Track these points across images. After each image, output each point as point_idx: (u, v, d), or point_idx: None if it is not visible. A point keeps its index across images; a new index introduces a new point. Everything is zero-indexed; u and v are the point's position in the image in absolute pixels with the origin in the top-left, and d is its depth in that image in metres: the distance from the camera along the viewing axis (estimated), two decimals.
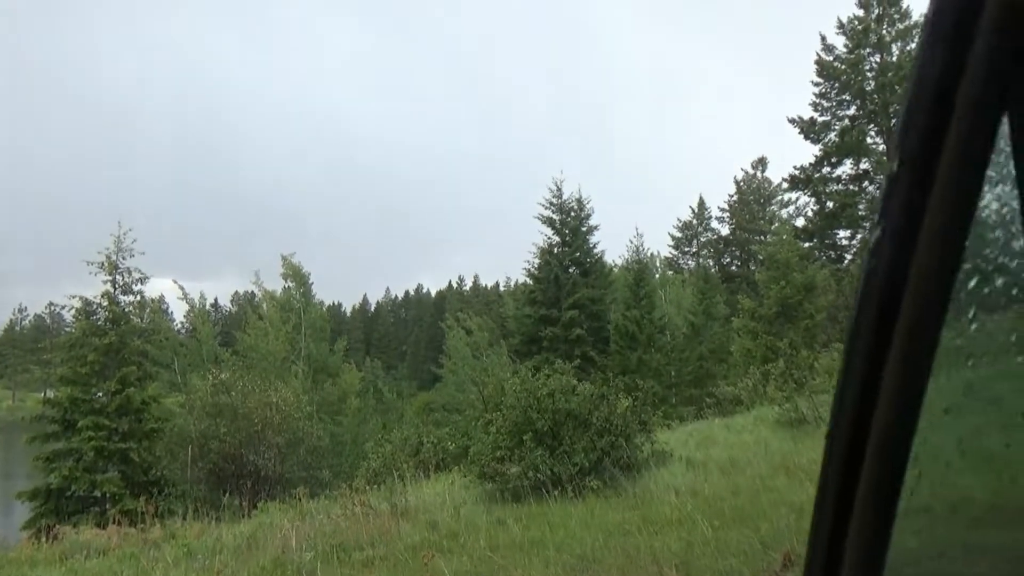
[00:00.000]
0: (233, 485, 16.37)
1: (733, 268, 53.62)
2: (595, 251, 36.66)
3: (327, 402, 30.59)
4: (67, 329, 29.21)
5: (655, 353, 31.32)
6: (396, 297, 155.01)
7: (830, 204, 33.00)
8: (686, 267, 55.24)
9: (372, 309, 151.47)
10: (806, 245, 31.53)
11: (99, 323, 21.62)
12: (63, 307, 23.86)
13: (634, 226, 60.19)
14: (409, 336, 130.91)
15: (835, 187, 33.15)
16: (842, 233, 33.47)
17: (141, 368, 21.82)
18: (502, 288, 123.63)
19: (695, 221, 57.75)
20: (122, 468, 20.11)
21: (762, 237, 45.18)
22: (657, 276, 45.66)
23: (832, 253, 33.17)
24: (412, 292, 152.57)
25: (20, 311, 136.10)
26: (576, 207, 36.45)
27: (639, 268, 37.79)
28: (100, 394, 20.95)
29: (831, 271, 26.69)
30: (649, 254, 48.24)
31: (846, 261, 31.95)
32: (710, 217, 57.27)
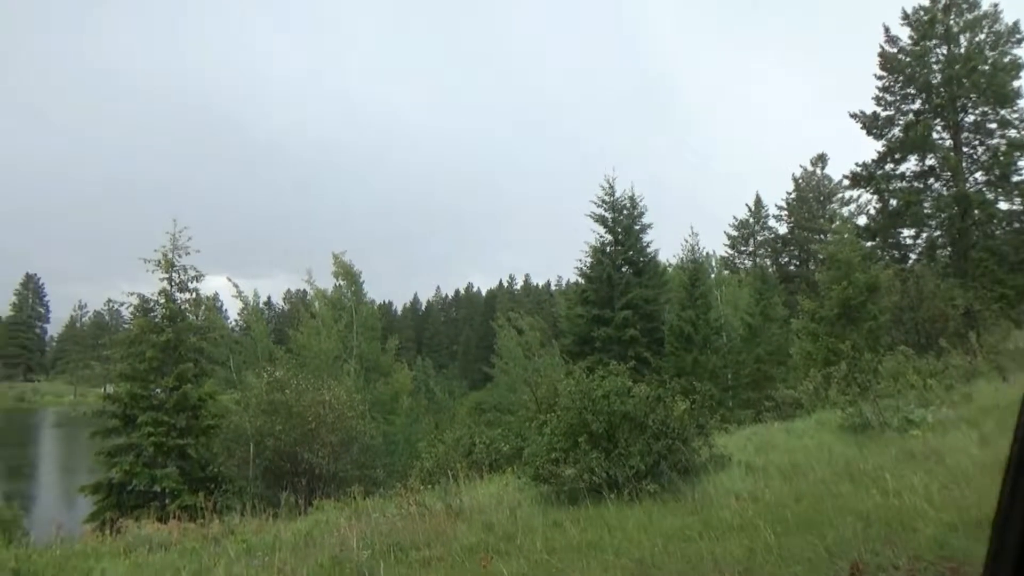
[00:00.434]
0: (289, 482, 16.67)
1: (791, 268, 52.60)
2: (649, 250, 36.18)
3: (379, 401, 30.95)
4: (125, 326, 30.05)
5: (711, 355, 30.81)
6: (446, 296, 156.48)
7: (894, 202, 31.89)
8: (742, 267, 54.36)
9: (423, 308, 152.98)
10: (868, 244, 30.54)
11: (156, 320, 22.11)
12: (121, 304, 24.50)
13: (689, 225, 59.48)
14: (460, 335, 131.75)
15: (899, 184, 32.02)
16: (906, 232, 32.31)
17: (197, 365, 22.24)
18: (553, 287, 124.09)
19: (752, 219, 56.86)
20: (180, 464, 20.60)
21: (822, 236, 44.12)
22: (713, 276, 45.00)
23: (896, 252, 32.03)
24: (462, 291, 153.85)
25: (80, 308, 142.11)
26: (629, 205, 35.98)
27: (694, 268, 37.24)
28: (158, 390, 21.47)
29: (895, 271, 25.76)
30: (704, 253, 47.66)
31: (910, 261, 30.88)
32: (767, 216, 56.38)
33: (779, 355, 30.62)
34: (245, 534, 10.61)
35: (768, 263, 54.33)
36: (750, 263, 55.28)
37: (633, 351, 31.03)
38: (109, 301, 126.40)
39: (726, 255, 56.72)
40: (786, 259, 54.42)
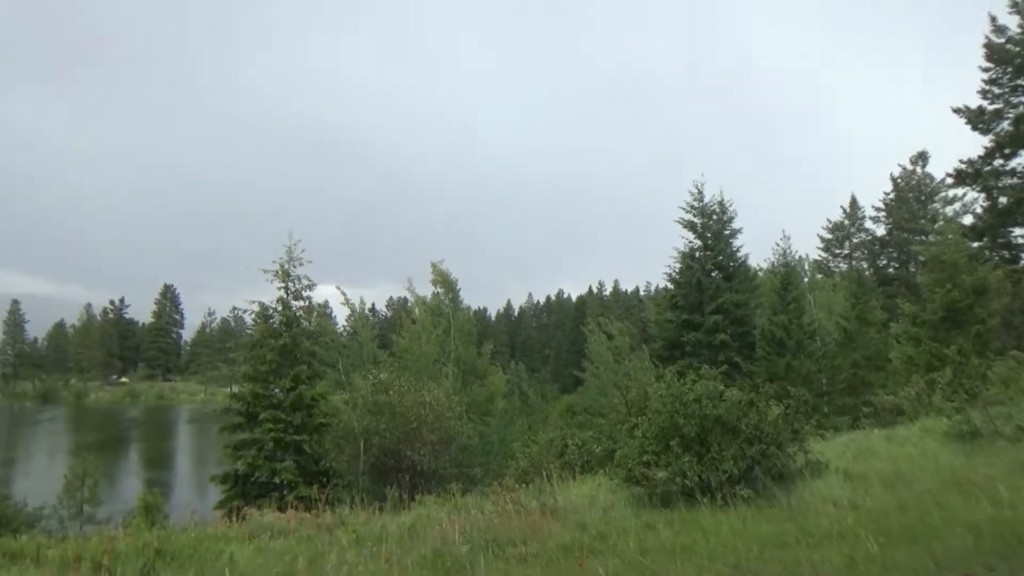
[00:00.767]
0: (392, 478, 17.43)
1: (890, 270, 49.87)
2: (739, 255, 35.76)
3: (475, 403, 31.66)
4: (248, 331, 32.23)
5: (805, 360, 29.85)
6: (538, 302, 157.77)
7: (1003, 199, 29.81)
8: (837, 270, 52.07)
9: (515, 314, 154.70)
10: (975, 244, 28.68)
11: (275, 326, 23.59)
12: (244, 311, 26.27)
13: (780, 228, 57.51)
14: (551, 340, 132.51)
15: (1009, 181, 29.87)
16: (1017, 231, 30.09)
17: (311, 367, 23.59)
18: (642, 293, 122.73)
19: (847, 221, 54.33)
20: (296, 458, 21.80)
21: (923, 237, 41.69)
22: (806, 280, 43.47)
23: (1006, 253, 29.89)
24: (553, 297, 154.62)
25: (209, 315, 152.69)
26: (718, 210, 35.58)
27: (786, 271, 36.16)
28: (277, 390, 22.84)
29: (1005, 272, 24.16)
30: (797, 257, 46.29)
31: (1022, 261, 28.83)
32: (863, 217, 53.68)
33: (877, 360, 29.21)
34: (355, 525, 11.05)
35: (865, 266, 51.70)
36: (845, 266, 52.89)
37: (724, 356, 30.57)
38: (234, 308, 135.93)
39: (820, 258, 54.65)
40: (884, 261, 51.55)
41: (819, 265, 53.32)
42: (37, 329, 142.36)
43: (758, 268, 40.79)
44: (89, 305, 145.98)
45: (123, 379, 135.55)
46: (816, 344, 31.98)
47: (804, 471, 9.91)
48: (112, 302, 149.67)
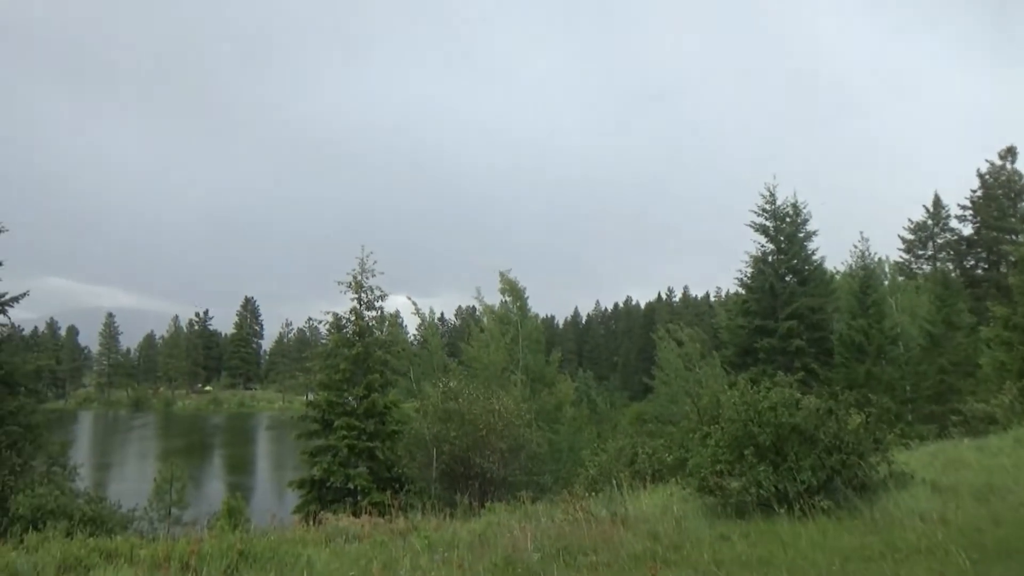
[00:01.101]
0: (463, 485, 17.58)
1: (978, 272, 47.27)
2: (814, 258, 34.76)
3: (544, 410, 31.59)
4: (323, 341, 33.16)
5: (886, 366, 28.67)
6: (606, 309, 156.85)
7: None
8: (920, 272, 49.79)
9: (583, 322, 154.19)
10: None
11: (348, 335, 24.19)
12: (319, 322, 27.10)
13: (858, 230, 55.49)
14: (619, 348, 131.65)
15: None
16: None
17: (383, 376, 24.00)
18: (712, 299, 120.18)
19: (930, 221, 51.87)
20: (369, 464, 22.24)
21: (1014, 236, 39.42)
22: (886, 283, 41.79)
23: None
24: (621, 304, 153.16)
25: (287, 326, 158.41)
26: (791, 212, 34.63)
27: (865, 274, 34.96)
28: (351, 398, 23.37)
29: None
30: (876, 259, 44.61)
31: None
32: (948, 216, 51.10)
33: (966, 366, 27.70)
34: (427, 531, 11.10)
35: (951, 267, 49.20)
36: (929, 268, 50.50)
37: (799, 362, 29.79)
38: (309, 319, 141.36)
39: (901, 260, 52.32)
40: (972, 262, 48.77)
41: (900, 267, 51.15)
42: (130, 340, 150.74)
43: (835, 271, 39.49)
44: (176, 317, 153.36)
45: (207, 387, 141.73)
46: (899, 349, 30.67)
47: (888, 482, 9.51)
48: (197, 314, 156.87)
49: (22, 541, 9.68)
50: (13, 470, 17.81)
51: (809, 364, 30.17)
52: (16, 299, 21.09)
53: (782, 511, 8.76)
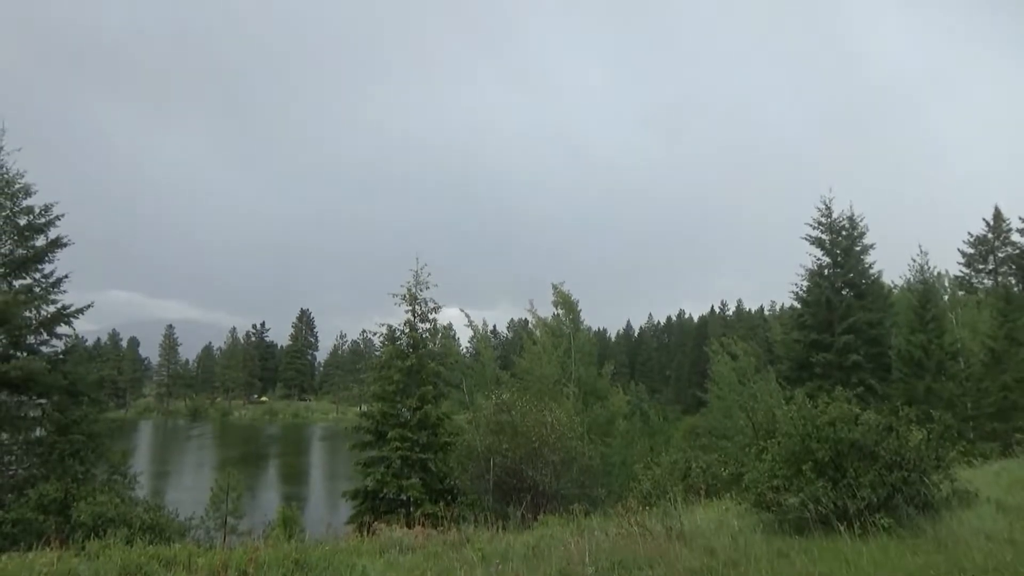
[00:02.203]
0: (515, 497, 17.58)
1: None
2: (871, 271, 34.12)
3: (596, 423, 31.42)
4: (376, 353, 33.61)
5: (946, 382, 27.77)
6: (658, 323, 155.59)
7: None
8: (981, 286, 48.16)
9: (635, 335, 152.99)
10: None
11: (402, 347, 24.49)
12: (373, 333, 27.51)
13: (917, 243, 53.91)
14: (672, 361, 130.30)
15: None
16: None
17: (436, 387, 24.25)
18: (767, 312, 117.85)
19: (991, 235, 50.26)
20: (422, 476, 22.40)
21: None
22: (946, 297, 40.56)
23: None
24: (674, 318, 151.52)
25: (341, 337, 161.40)
26: (848, 225, 34.12)
27: (924, 288, 33.98)
28: (404, 410, 23.60)
29: None
30: (936, 273, 43.37)
31: None
32: (1009, 229, 49.45)
33: None
34: (480, 542, 11.10)
35: (1013, 281, 47.46)
36: (990, 282, 48.80)
37: (856, 377, 29.14)
38: (364, 331, 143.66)
39: (961, 274, 50.77)
40: None
41: (961, 281, 49.65)
42: (188, 352, 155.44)
43: (892, 285, 38.53)
44: (234, 329, 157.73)
45: (263, 398, 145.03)
46: (959, 365, 29.70)
47: (951, 501, 9.28)
48: (254, 326, 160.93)
49: (84, 548, 9.95)
50: (75, 478, 18.24)
51: (866, 379, 29.52)
52: (81, 311, 21.71)
53: (841, 528, 8.58)
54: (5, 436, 19.82)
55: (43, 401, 20.79)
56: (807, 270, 34.75)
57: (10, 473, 19.66)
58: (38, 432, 20.33)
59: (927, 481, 9.29)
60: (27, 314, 20.57)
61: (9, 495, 18.05)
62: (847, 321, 31.72)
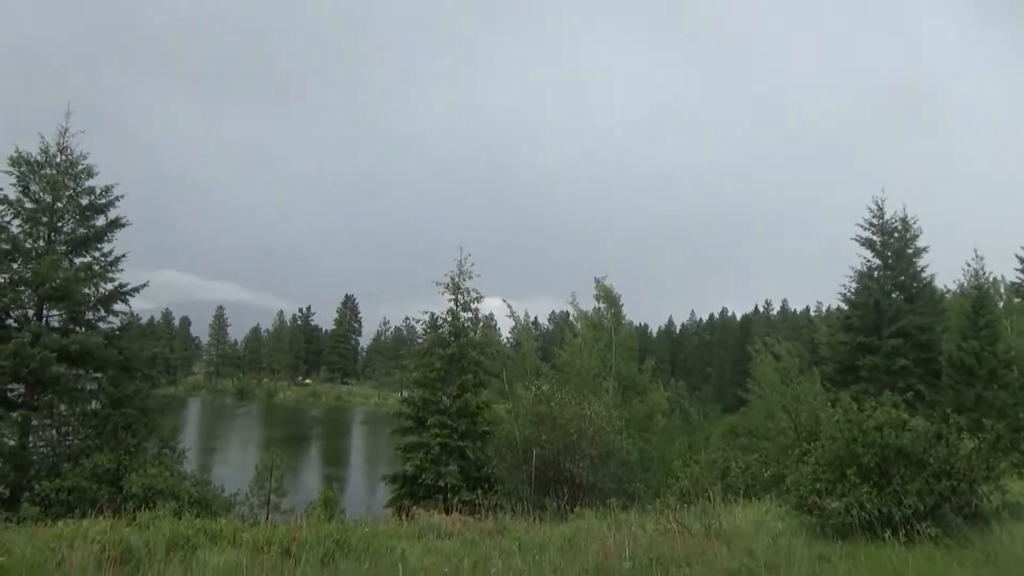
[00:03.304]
0: (551, 489, 17.63)
1: None
2: (923, 275, 33.30)
3: (635, 419, 31.28)
4: (419, 340, 33.89)
5: (999, 390, 26.87)
6: (700, 320, 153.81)
7: None
8: None
9: (677, 331, 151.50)
10: None
11: (444, 335, 24.70)
12: (416, 321, 27.76)
13: (972, 247, 52.23)
14: (713, 359, 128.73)
15: None
16: None
17: (476, 376, 24.38)
18: (812, 313, 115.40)
19: None
20: (460, 463, 22.63)
21: None
22: (1001, 304, 39.25)
23: None
24: (716, 315, 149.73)
25: (384, 324, 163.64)
26: (900, 227, 33.25)
27: (979, 294, 32.89)
28: (444, 397, 23.80)
29: None
30: (992, 279, 41.95)
31: None
32: None
33: None
34: (517, 532, 11.17)
35: None
36: None
37: (904, 382, 28.48)
38: (407, 318, 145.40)
39: (1018, 280, 48.92)
40: None
41: (1017, 288, 47.95)
42: (237, 333, 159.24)
43: (945, 290, 37.48)
44: (281, 312, 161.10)
45: (307, 380, 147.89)
46: (1013, 374, 28.74)
47: (1001, 513, 9.01)
48: (300, 310, 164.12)
49: (135, 518, 10.25)
50: (128, 450, 18.72)
51: (915, 384, 28.85)
52: (136, 289, 22.24)
53: (885, 536, 8.43)
54: (63, 407, 20.51)
55: (99, 375, 21.45)
56: (856, 271, 34.21)
57: (67, 443, 20.39)
58: (94, 405, 20.96)
59: (977, 491, 9.05)
60: (86, 291, 21.24)
61: (66, 464, 18.71)
62: (896, 324, 31.13)
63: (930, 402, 26.05)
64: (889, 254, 33.49)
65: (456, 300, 25.11)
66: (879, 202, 33.84)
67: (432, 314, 25.37)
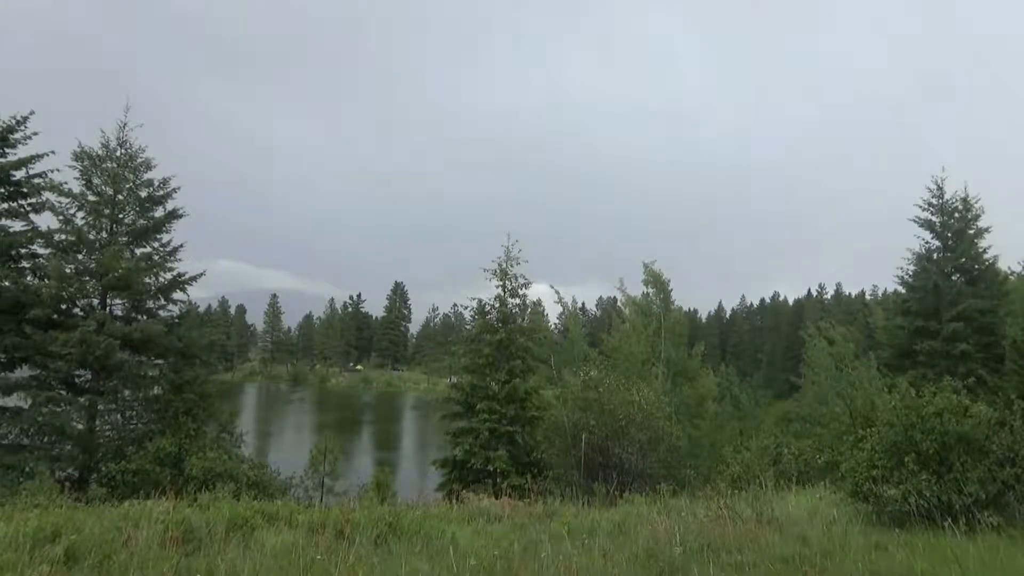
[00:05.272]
0: (600, 474, 17.63)
1: None
2: (985, 256, 31.92)
3: (685, 404, 31.02)
4: (467, 326, 34.16)
5: None
6: (751, 305, 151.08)
7: None
8: None
9: (727, 316, 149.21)
10: None
11: (492, 322, 24.85)
12: (464, 308, 27.98)
13: None
14: (764, 344, 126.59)
15: None
16: None
17: (524, 362, 24.46)
18: (868, 297, 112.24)
19: None
20: (509, 448, 22.75)
21: None
22: None
23: None
24: (768, 300, 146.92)
25: (433, 311, 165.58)
26: (961, 207, 32.00)
27: None
28: (493, 383, 23.93)
29: None
30: None
31: None
32: None
33: None
34: (566, 516, 11.22)
35: None
36: None
37: (965, 367, 27.54)
38: (455, 305, 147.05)
39: None
40: None
41: None
42: (291, 320, 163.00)
43: (1009, 271, 35.96)
44: (332, 300, 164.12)
45: (358, 367, 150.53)
46: None
47: None
48: (351, 297, 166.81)
49: (195, 499, 10.60)
50: (188, 434, 19.47)
51: (976, 370, 27.89)
52: (194, 278, 23.03)
53: (945, 524, 8.22)
54: (127, 393, 21.37)
55: (160, 362, 22.31)
56: (914, 253, 33.25)
57: (131, 427, 21.25)
58: (156, 390, 21.78)
59: None
60: (147, 280, 22.02)
61: (130, 447, 19.53)
62: (956, 308, 30.18)
63: (992, 388, 25.22)
64: (949, 235, 32.41)
65: (504, 286, 25.20)
66: (939, 181, 32.79)
67: (480, 300, 25.57)
